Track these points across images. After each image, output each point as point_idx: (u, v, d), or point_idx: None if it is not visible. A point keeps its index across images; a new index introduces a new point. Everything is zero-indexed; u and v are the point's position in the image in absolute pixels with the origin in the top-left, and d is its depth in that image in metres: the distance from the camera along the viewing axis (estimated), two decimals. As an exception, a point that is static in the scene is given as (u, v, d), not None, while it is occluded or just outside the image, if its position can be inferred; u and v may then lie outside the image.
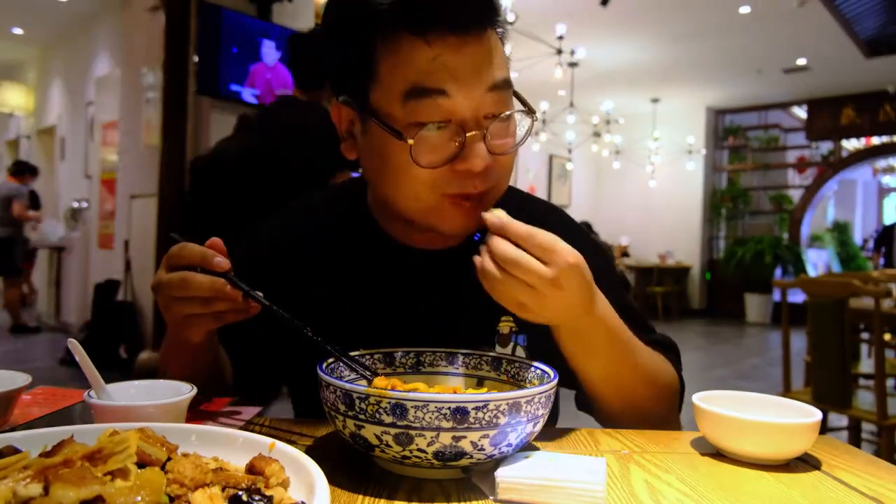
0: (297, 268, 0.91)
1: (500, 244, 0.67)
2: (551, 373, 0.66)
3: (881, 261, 9.57)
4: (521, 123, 0.82)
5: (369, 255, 0.89)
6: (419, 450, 0.55)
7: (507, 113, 0.75)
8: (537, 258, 0.66)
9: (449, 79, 0.71)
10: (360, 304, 0.88)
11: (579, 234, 0.93)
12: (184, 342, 0.76)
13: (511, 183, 0.99)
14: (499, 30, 0.77)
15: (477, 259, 0.69)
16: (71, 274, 6.80)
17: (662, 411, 0.84)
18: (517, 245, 0.67)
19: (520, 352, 0.88)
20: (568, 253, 0.67)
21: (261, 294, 0.72)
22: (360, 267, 0.90)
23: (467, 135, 0.72)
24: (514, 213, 0.93)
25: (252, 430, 0.69)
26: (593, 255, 0.89)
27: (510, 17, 5.10)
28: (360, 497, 0.54)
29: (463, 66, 0.71)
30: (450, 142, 0.72)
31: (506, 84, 0.75)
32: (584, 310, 0.72)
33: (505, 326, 0.88)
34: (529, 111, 0.78)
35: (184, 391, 0.66)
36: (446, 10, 0.70)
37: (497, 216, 0.69)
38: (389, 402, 0.54)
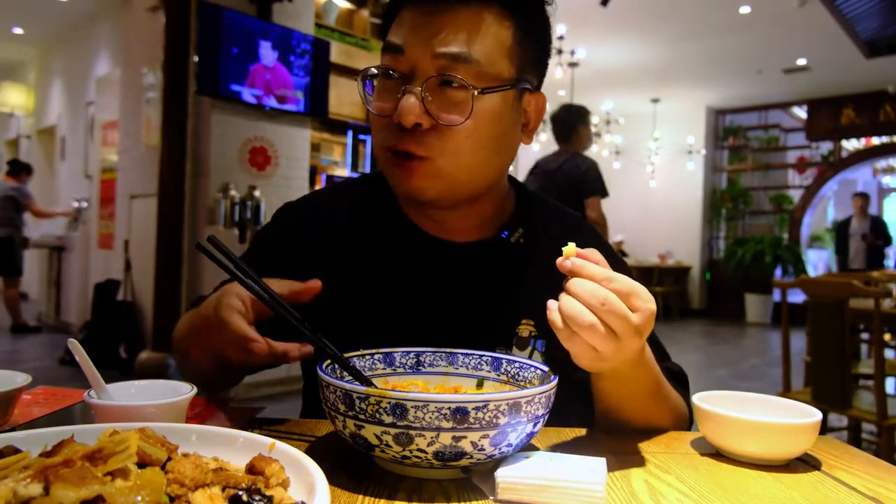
0: (322, 248, 0.91)
1: (584, 284, 0.61)
2: (551, 373, 0.66)
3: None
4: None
5: (392, 242, 0.90)
6: (419, 450, 0.55)
7: (443, 77, 0.76)
8: None
9: (406, 37, 0.78)
10: (378, 291, 0.88)
11: (610, 250, 0.92)
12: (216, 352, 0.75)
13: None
14: (517, 16, 0.80)
15: (552, 304, 0.63)
16: (71, 274, 6.81)
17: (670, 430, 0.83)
18: None
19: (537, 357, 0.87)
20: (649, 298, 0.62)
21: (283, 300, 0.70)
22: (382, 253, 0.90)
23: (403, 87, 0.77)
24: (539, 222, 0.93)
25: (252, 430, 0.69)
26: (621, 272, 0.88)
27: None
28: (360, 497, 0.54)
29: (421, 28, 0.78)
30: (395, 94, 0.78)
31: (459, 58, 0.76)
32: (639, 358, 0.69)
33: (525, 330, 0.87)
34: (469, 87, 0.77)
35: (184, 391, 0.66)
36: None
37: (568, 255, 0.64)
38: (389, 402, 0.54)
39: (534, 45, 0.83)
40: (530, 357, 0.86)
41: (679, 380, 0.88)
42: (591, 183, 3.78)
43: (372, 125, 0.84)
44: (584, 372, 0.74)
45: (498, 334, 0.87)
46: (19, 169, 6.85)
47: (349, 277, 0.88)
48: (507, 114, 0.81)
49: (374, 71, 0.81)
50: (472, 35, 0.77)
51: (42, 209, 7.02)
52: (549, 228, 0.93)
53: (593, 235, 0.98)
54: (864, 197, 8.74)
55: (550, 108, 8.64)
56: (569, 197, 3.62)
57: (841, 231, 8.85)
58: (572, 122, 3.88)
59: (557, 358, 0.83)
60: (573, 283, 0.61)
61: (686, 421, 0.85)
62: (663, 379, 0.79)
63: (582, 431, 0.77)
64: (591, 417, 0.90)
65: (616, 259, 0.87)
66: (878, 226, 8.50)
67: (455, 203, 0.84)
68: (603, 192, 3.88)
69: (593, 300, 0.60)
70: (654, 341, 0.86)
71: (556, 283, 0.75)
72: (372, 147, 0.88)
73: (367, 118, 0.97)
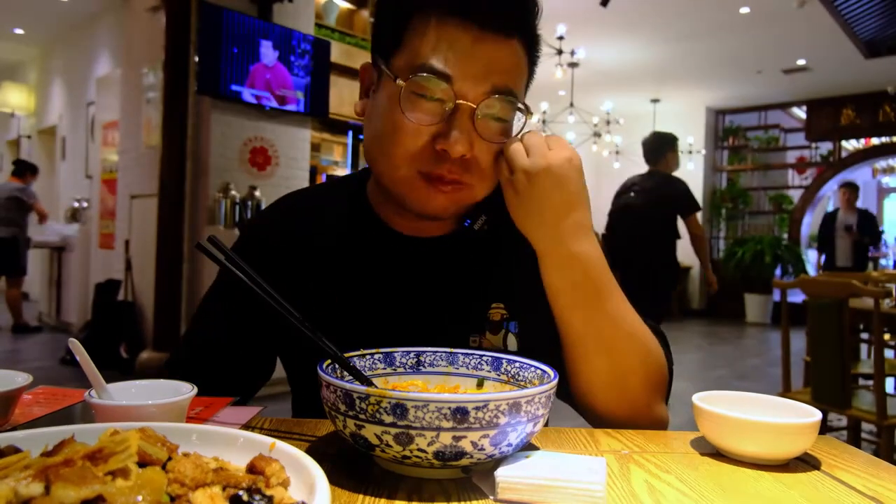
0: (295, 252, 0.91)
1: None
2: (551, 373, 0.66)
3: (822, 258, 8.02)
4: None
5: (364, 241, 0.91)
6: (419, 450, 0.55)
7: (497, 116, 0.80)
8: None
9: (458, 66, 0.76)
10: (353, 291, 0.89)
11: None
12: None
13: None
14: (530, 51, 0.82)
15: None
16: (71, 273, 6.81)
17: (648, 390, 0.81)
18: None
19: (511, 339, 0.89)
20: (573, 155, 0.79)
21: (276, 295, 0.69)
22: (354, 252, 0.90)
23: (456, 118, 0.77)
24: (504, 208, 0.95)
25: (252, 430, 0.69)
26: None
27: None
28: (360, 497, 0.54)
29: (475, 59, 0.76)
30: (439, 119, 0.77)
31: (510, 93, 0.79)
32: (557, 232, 0.78)
33: (496, 313, 0.89)
34: (527, 110, 0.82)
35: (184, 391, 0.66)
36: (479, 5, 0.75)
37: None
38: (390, 402, 0.54)
39: (532, 69, 0.86)
40: (504, 339, 0.88)
41: (658, 334, 0.88)
42: (688, 200, 4.30)
43: (393, 132, 0.79)
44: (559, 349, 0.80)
45: (470, 321, 0.88)
46: (24, 169, 6.86)
47: (328, 282, 0.89)
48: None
49: (420, 93, 0.77)
50: (515, 71, 0.80)
51: (44, 211, 7.00)
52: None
53: None
54: (851, 188, 7.65)
55: (553, 108, 8.64)
56: (667, 211, 4.24)
57: (826, 225, 7.83)
58: (662, 148, 4.39)
59: (531, 338, 0.87)
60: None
61: (664, 373, 0.84)
62: (619, 295, 0.82)
63: (582, 431, 0.77)
64: (562, 383, 0.89)
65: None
66: (865, 220, 7.46)
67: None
68: (699, 208, 4.38)
69: (508, 146, 0.80)
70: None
71: (521, 264, 0.83)
72: (383, 154, 0.81)
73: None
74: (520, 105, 0.81)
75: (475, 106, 0.77)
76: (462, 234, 0.91)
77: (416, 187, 0.80)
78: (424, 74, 0.76)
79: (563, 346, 0.83)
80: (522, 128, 0.84)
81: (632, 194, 4.36)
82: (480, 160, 0.80)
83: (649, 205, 4.22)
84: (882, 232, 7.87)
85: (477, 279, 0.90)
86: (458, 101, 0.76)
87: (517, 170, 0.78)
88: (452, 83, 0.76)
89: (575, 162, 0.79)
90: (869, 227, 7.44)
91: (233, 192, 4.56)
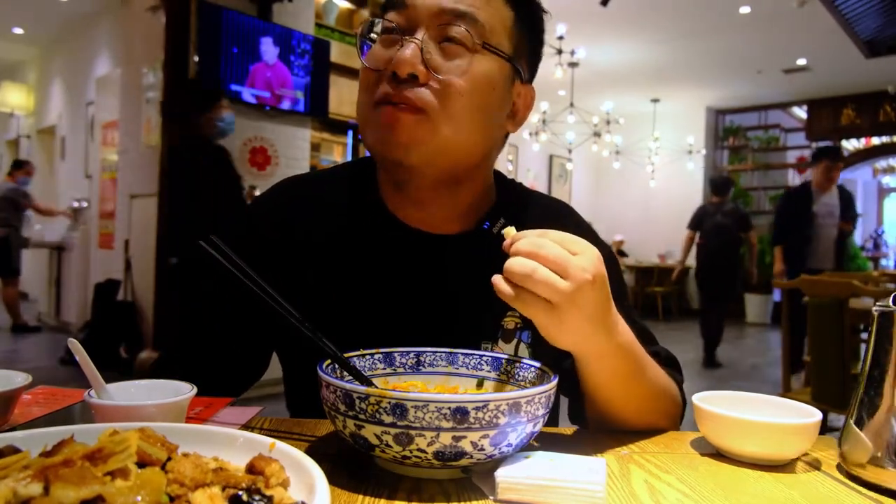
0: (294, 243, 0.88)
1: (513, 260, 0.63)
2: (551, 373, 0.66)
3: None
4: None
5: (374, 236, 0.87)
6: (419, 450, 0.55)
7: (446, 30, 0.77)
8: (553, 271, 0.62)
9: None
10: (359, 286, 0.86)
11: (590, 236, 0.88)
12: None
13: None
14: (514, 2, 0.81)
15: (495, 278, 0.65)
16: (71, 273, 6.80)
17: (666, 423, 0.81)
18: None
19: (523, 348, 0.87)
20: (586, 268, 0.63)
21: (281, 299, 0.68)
22: (362, 248, 0.87)
23: (404, 38, 0.77)
24: (521, 211, 0.93)
25: (252, 430, 0.69)
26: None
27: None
28: (360, 497, 0.54)
29: None
30: (393, 48, 0.78)
31: (465, 16, 0.77)
32: (605, 333, 0.68)
33: (510, 322, 0.87)
34: (471, 41, 0.77)
35: (184, 391, 0.66)
36: None
37: (509, 236, 0.66)
38: (389, 402, 0.54)
39: (529, 36, 0.84)
40: (516, 348, 0.87)
41: (669, 363, 0.87)
42: (748, 221, 6.37)
43: (360, 85, 0.81)
44: (570, 361, 0.75)
45: (483, 328, 0.86)
46: (13, 168, 6.86)
47: (332, 275, 0.86)
48: (499, 87, 0.81)
49: (374, 27, 0.81)
50: (480, 2, 0.78)
51: (44, 207, 7.00)
52: (531, 216, 0.91)
53: (572, 220, 0.97)
54: (833, 157, 4.94)
55: (553, 108, 8.63)
56: (737, 227, 6.17)
57: (792, 207, 5.05)
58: (728, 185, 6.48)
59: (543, 348, 0.82)
60: (507, 263, 0.63)
61: (679, 405, 0.84)
62: (649, 361, 0.78)
63: (582, 431, 0.77)
64: (575, 407, 0.88)
65: (599, 245, 0.85)
66: (848, 203, 5.05)
67: (436, 176, 0.82)
68: (752, 226, 6.44)
69: (522, 271, 0.62)
70: (638, 326, 0.85)
71: None
72: (357, 108, 0.84)
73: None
74: (486, 36, 0.78)
75: (426, 27, 0.77)
76: (479, 235, 0.88)
77: (371, 119, 0.79)
78: (387, 11, 0.80)
79: (588, 397, 0.78)
80: (527, 77, 0.84)
81: (720, 216, 6.16)
82: (439, 88, 0.76)
83: (732, 222, 6.14)
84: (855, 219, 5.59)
85: (492, 284, 0.88)
86: (408, 25, 0.78)
87: (560, 303, 0.62)
88: (407, 8, 0.77)
89: (601, 254, 0.67)
90: (852, 211, 5.15)
91: (233, 192, 4.56)
